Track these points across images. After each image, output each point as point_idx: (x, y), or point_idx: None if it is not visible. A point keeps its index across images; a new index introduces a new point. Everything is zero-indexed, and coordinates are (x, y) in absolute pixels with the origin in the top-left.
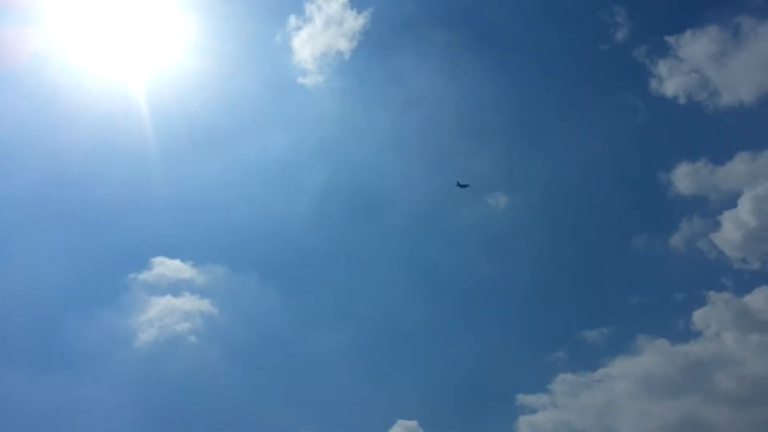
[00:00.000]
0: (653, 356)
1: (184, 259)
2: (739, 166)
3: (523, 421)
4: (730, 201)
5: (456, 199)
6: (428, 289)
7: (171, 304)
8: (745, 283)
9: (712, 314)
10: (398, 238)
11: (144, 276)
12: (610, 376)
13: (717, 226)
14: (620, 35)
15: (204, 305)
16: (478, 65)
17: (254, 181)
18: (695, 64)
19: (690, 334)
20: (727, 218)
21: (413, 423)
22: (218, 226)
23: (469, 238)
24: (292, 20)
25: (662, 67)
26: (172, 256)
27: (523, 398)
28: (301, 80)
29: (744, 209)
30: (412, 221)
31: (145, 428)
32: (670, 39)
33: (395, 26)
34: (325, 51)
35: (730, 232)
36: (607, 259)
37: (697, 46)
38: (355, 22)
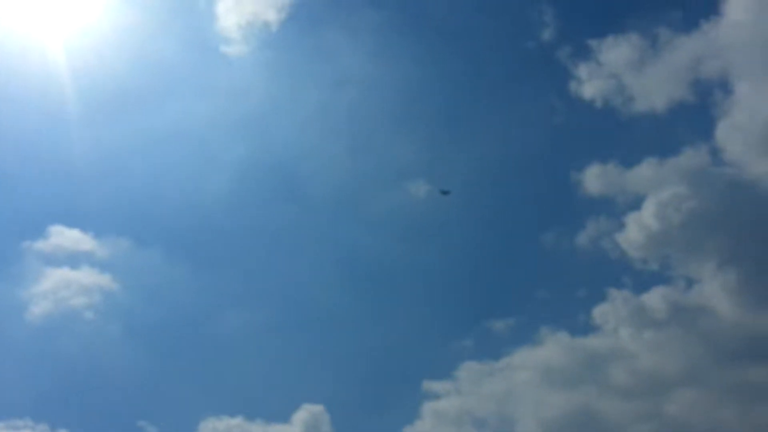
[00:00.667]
0: (554, 348)
1: (84, 230)
2: (646, 170)
3: (428, 407)
4: (636, 203)
5: (377, 184)
6: (342, 273)
7: (68, 277)
8: (643, 283)
9: (611, 310)
10: (316, 219)
11: (39, 245)
12: (512, 365)
13: (621, 227)
14: (546, 35)
15: (104, 280)
16: (407, 49)
17: (168, 150)
18: (614, 70)
19: (589, 329)
20: (631, 220)
21: (319, 407)
22: (125, 197)
23: (387, 223)
24: None
25: (583, 70)
26: (71, 226)
27: (428, 384)
28: (224, 49)
29: (648, 212)
30: (331, 204)
31: (33, 407)
32: (593, 43)
33: (326, 1)
34: (252, 20)
35: (633, 233)
36: (516, 253)
37: (617, 52)
38: None
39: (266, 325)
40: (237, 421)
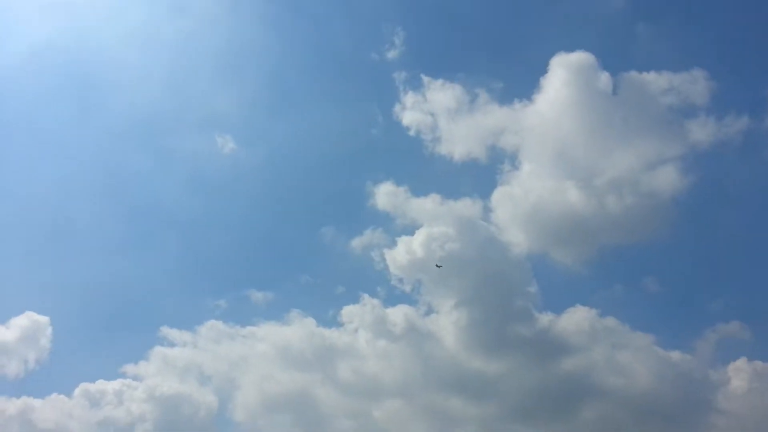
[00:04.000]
0: (299, 330)
1: None
2: (430, 204)
3: (159, 351)
4: (411, 229)
5: (185, 133)
6: (120, 200)
7: None
8: (393, 298)
9: (359, 313)
10: (121, 154)
11: None
12: (255, 335)
13: (393, 244)
14: (391, 54)
15: None
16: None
17: None
18: (434, 109)
19: (335, 323)
20: (402, 242)
21: (45, 319)
22: None
23: (190, 171)
24: None
25: (409, 98)
26: None
27: (167, 330)
28: None
29: (418, 240)
30: (134, 140)
31: None
32: (426, 79)
33: None
34: None
35: (401, 254)
36: (295, 237)
37: (442, 95)
38: None
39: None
40: None
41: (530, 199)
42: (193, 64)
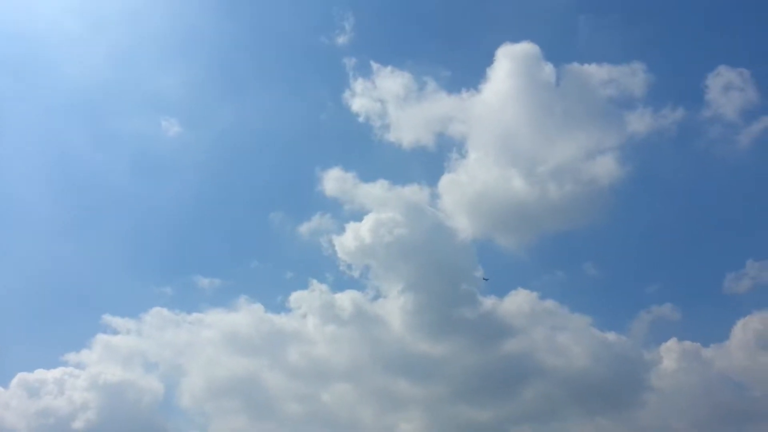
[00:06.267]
0: (246, 316)
1: None
2: (378, 189)
3: (101, 338)
4: (360, 215)
5: (129, 114)
6: (64, 180)
7: None
8: (341, 283)
9: (307, 298)
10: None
11: None
12: (202, 322)
13: (341, 230)
14: (341, 39)
15: None
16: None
17: None
18: (383, 96)
19: (283, 308)
20: (351, 227)
21: None
22: None
23: (135, 154)
24: None
25: (359, 85)
26: None
27: (109, 318)
28: None
29: (366, 226)
30: (79, 126)
31: None
32: (375, 65)
33: None
34: None
35: (349, 239)
36: (243, 222)
37: (391, 82)
38: None
39: None
40: None
41: (476, 186)
42: (139, 43)
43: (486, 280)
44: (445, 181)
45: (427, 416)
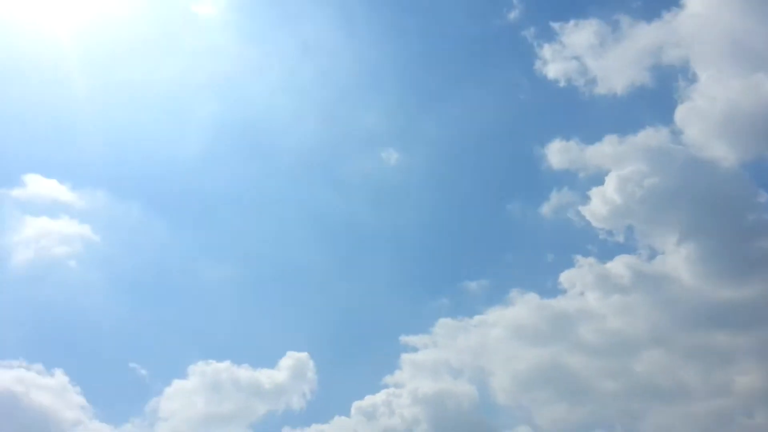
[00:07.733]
0: (524, 308)
1: (61, 180)
2: (607, 147)
3: (406, 358)
4: (598, 178)
5: (347, 151)
6: (317, 233)
7: (48, 226)
8: (608, 251)
9: (578, 276)
10: (288, 181)
11: (16, 193)
12: (485, 322)
13: (585, 199)
14: (512, 15)
15: (84, 230)
16: (374, 21)
17: (139, 106)
18: (576, 52)
19: (557, 291)
20: (595, 194)
21: (304, 354)
22: (100, 151)
23: (359, 188)
24: None
25: (547, 51)
26: (47, 176)
27: (406, 338)
28: (194, 8)
29: (610, 187)
30: (303, 166)
31: (25, 349)
32: (556, 26)
33: None
34: None
35: (597, 206)
36: (484, 221)
37: (579, 36)
38: None
39: (246, 279)
40: (225, 365)
41: (720, 107)
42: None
43: None
44: (681, 113)
45: (765, 365)
